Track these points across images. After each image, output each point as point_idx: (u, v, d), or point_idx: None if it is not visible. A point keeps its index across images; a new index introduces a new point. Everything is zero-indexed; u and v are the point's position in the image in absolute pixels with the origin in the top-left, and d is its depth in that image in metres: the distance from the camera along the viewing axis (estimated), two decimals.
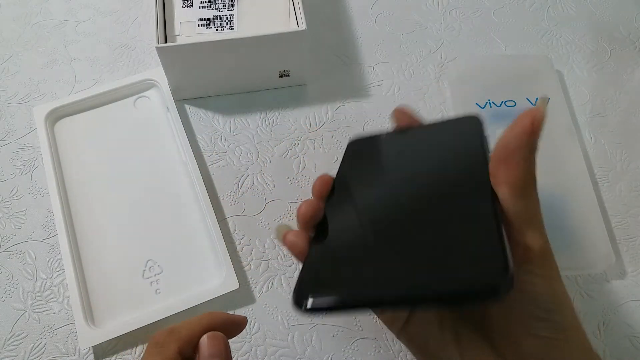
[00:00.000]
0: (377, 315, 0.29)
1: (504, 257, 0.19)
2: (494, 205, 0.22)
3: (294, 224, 0.39)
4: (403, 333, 0.28)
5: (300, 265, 0.24)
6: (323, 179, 0.28)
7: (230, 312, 0.36)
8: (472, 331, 0.27)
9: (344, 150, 0.30)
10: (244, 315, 0.36)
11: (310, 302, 0.21)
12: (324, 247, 0.25)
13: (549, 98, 0.24)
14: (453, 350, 0.26)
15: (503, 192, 0.23)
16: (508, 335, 0.25)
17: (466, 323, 0.27)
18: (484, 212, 0.22)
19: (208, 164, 0.41)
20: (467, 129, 0.27)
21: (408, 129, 0.30)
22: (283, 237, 0.26)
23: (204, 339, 0.24)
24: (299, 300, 0.21)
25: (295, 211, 0.39)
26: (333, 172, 0.41)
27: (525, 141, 0.22)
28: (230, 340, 0.35)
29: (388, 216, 0.25)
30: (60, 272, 0.37)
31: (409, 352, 0.35)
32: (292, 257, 0.31)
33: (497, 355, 0.25)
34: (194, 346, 0.24)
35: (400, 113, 0.31)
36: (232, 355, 0.34)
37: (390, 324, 0.28)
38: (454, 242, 0.21)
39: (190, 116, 0.43)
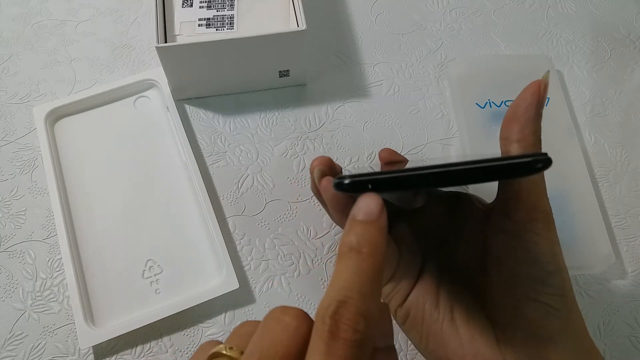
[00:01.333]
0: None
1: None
2: None
3: (294, 224, 0.39)
4: (400, 310, 0.28)
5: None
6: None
7: (230, 312, 0.36)
8: (469, 305, 0.27)
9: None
10: (244, 315, 0.36)
11: (351, 179, 0.20)
12: None
13: (549, 70, 0.26)
14: (448, 326, 0.27)
15: (514, 149, 0.24)
16: (508, 300, 0.25)
17: (464, 296, 0.27)
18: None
19: (208, 164, 0.41)
20: None
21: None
22: (319, 180, 0.27)
23: None
24: (340, 182, 0.20)
25: (296, 210, 0.39)
26: None
27: (535, 101, 0.24)
28: None
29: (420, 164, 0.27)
30: (60, 272, 0.37)
31: (409, 353, 0.35)
32: (320, 203, 0.31)
33: (495, 328, 0.26)
34: None
35: (386, 152, 0.32)
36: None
37: (390, 300, 0.29)
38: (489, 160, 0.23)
39: (190, 116, 0.43)
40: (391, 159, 0.33)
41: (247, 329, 0.20)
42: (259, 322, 0.19)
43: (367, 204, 0.19)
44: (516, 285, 0.24)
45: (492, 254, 0.26)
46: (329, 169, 0.27)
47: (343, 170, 0.31)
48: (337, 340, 0.16)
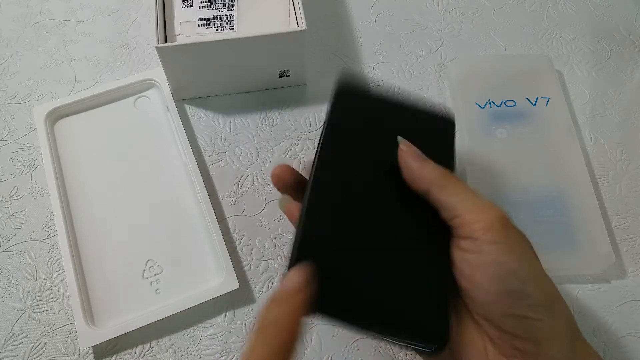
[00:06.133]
0: None
1: (444, 322, 0.24)
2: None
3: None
4: None
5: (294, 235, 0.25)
6: (282, 167, 0.29)
7: (230, 312, 0.36)
8: (458, 317, 0.26)
9: (331, 99, 0.31)
10: (244, 315, 0.36)
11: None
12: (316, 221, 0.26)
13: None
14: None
15: (428, 194, 0.25)
16: (489, 320, 0.24)
17: (454, 307, 0.27)
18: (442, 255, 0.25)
19: (208, 164, 0.41)
20: (442, 129, 0.30)
21: (392, 103, 0.30)
22: (285, 206, 0.28)
23: None
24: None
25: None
26: None
27: (408, 162, 0.26)
28: (229, 340, 0.35)
29: (372, 214, 0.26)
30: (60, 272, 0.37)
31: (409, 353, 0.35)
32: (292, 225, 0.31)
33: (484, 340, 0.25)
34: None
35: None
36: (232, 355, 0.35)
37: None
38: (416, 279, 0.25)
39: (190, 116, 0.43)
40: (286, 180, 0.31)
41: None
42: None
43: (291, 279, 0.21)
44: (489, 303, 0.24)
45: (463, 273, 0.25)
46: (283, 182, 0.29)
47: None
48: None
